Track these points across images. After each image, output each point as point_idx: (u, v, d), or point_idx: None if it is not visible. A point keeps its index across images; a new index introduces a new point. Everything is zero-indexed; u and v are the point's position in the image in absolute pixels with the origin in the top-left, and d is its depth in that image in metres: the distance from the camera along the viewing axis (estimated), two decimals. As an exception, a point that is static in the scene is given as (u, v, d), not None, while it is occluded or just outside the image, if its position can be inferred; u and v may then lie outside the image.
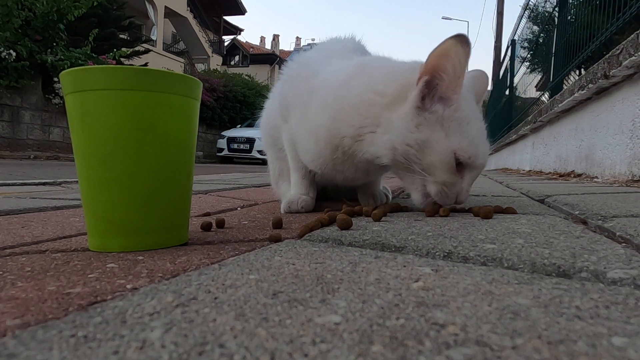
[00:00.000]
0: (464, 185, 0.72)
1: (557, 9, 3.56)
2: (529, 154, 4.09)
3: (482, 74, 0.87)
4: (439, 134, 0.69)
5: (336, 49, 0.91)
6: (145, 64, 10.07)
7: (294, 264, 0.40)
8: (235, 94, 11.65)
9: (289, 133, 0.89)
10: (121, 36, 10.04)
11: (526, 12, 5.75)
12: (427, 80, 0.69)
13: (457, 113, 0.70)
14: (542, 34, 4.68)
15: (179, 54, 17.95)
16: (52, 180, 2.02)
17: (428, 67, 0.69)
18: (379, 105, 0.73)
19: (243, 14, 22.24)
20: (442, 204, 0.73)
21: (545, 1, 4.64)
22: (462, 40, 0.66)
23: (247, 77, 13.24)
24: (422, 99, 0.69)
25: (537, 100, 4.36)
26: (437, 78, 0.69)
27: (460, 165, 0.70)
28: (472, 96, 0.78)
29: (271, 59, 24.05)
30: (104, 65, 0.50)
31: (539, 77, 4.79)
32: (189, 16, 17.48)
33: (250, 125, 10.21)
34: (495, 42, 13.91)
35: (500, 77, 8.44)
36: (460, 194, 0.73)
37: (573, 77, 2.88)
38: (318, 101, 0.79)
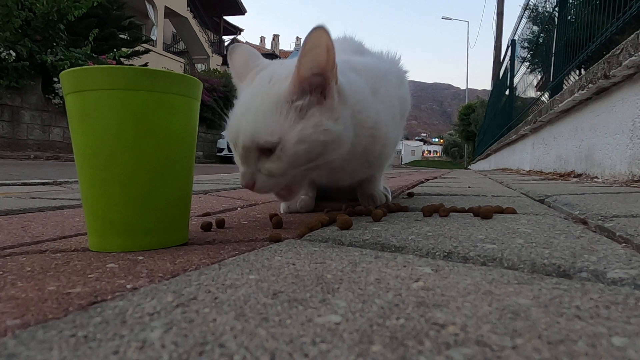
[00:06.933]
0: None
1: (557, 9, 3.56)
2: (529, 154, 4.09)
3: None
4: None
5: None
6: (145, 64, 10.08)
7: (294, 264, 0.40)
8: (235, 94, 11.64)
9: None
10: (121, 36, 10.05)
11: (526, 12, 5.75)
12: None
13: None
14: (542, 34, 4.67)
15: (179, 54, 17.96)
16: (52, 180, 2.02)
17: None
18: None
19: (243, 14, 22.26)
20: None
21: (545, 1, 4.64)
22: None
23: (247, 77, 13.20)
24: None
25: (537, 100, 4.35)
26: None
27: None
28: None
29: (271, 59, 24.00)
30: (104, 65, 0.50)
31: (539, 77, 4.78)
32: (189, 16, 17.48)
33: (251, 125, 10.19)
34: (496, 42, 13.93)
35: (500, 77, 8.43)
36: None
37: (573, 77, 2.88)
38: None
